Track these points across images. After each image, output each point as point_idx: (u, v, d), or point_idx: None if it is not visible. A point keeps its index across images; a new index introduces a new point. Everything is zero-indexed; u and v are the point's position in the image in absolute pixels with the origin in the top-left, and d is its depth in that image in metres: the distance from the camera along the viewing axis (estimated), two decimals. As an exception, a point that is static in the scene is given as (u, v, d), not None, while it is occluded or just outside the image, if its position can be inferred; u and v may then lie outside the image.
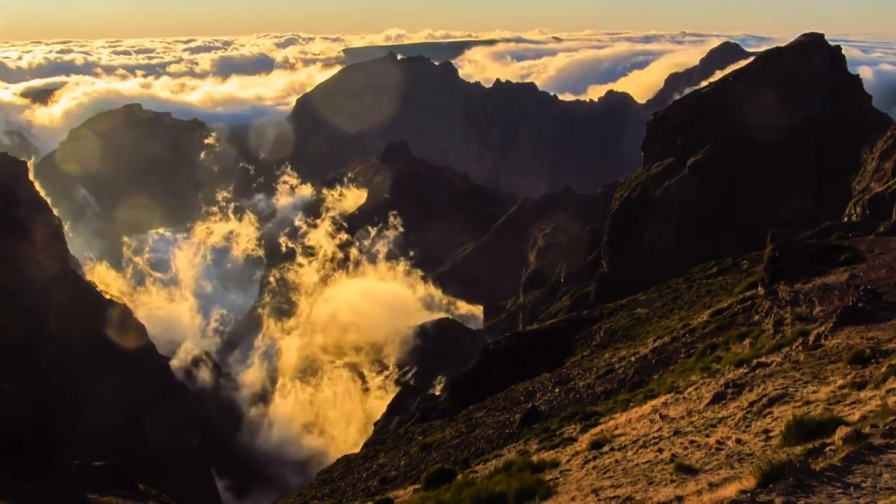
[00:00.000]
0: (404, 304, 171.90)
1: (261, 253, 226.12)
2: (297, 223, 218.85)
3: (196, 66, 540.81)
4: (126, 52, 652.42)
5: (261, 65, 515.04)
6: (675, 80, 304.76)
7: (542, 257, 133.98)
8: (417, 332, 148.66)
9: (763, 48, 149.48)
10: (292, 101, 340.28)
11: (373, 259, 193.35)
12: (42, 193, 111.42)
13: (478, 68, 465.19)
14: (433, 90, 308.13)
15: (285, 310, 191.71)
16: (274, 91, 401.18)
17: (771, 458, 8.44)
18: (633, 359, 33.06)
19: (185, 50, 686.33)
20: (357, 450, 60.81)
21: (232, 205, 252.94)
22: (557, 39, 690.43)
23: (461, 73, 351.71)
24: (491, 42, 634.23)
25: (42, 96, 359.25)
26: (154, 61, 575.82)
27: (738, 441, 11.68)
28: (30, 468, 34.44)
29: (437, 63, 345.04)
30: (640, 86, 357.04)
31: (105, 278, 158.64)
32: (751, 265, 45.52)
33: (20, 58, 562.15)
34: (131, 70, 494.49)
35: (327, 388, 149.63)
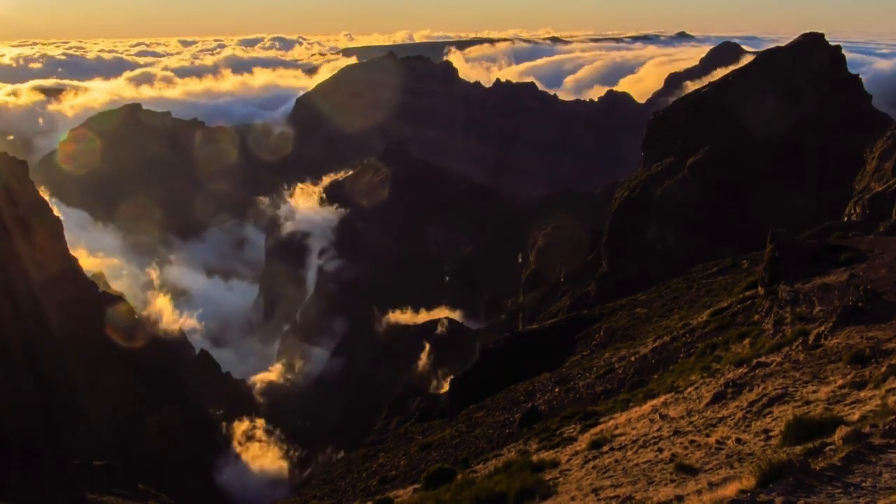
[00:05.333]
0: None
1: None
2: (297, 223, 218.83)
3: (197, 66, 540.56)
4: (127, 52, 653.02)
5: (261, 65, 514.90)
6: (675, 80, 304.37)
7: (542, 257, 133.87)
8: (417, 331, 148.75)
9: (763, 48, 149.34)
10: (292, 100, 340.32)
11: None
12: (42, 193, 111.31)
13: (478, 68, 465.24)
14: (433, 90, 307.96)
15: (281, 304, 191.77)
16: (274, 91, 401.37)
17: (771, 457, 8.43)
18: (632, 358, 33.06)
19: (186, 50, 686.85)
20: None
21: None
22: (557, 40, 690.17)
23: (461, 72, 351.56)
24: (491, 42, 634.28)
25: (42, 96, 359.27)
26: (155, 61, 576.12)
27: (738, 441, 11.67)
28: (30, 468, 34.40)
29: (437, 62, 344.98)
30: (640, 86, 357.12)
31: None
32: (751, 265, 45.49)
33: (20, 58, 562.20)
34: (132, 69, 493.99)
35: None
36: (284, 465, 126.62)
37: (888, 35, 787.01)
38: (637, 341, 38.17)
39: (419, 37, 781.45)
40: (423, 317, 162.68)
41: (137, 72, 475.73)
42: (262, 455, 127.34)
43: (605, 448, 14.86)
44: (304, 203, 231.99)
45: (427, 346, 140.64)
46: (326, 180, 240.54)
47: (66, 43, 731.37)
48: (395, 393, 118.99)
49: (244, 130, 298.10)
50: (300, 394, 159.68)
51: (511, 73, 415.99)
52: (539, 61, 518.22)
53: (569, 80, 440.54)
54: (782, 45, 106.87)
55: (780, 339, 19.74)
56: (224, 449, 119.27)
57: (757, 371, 16.51)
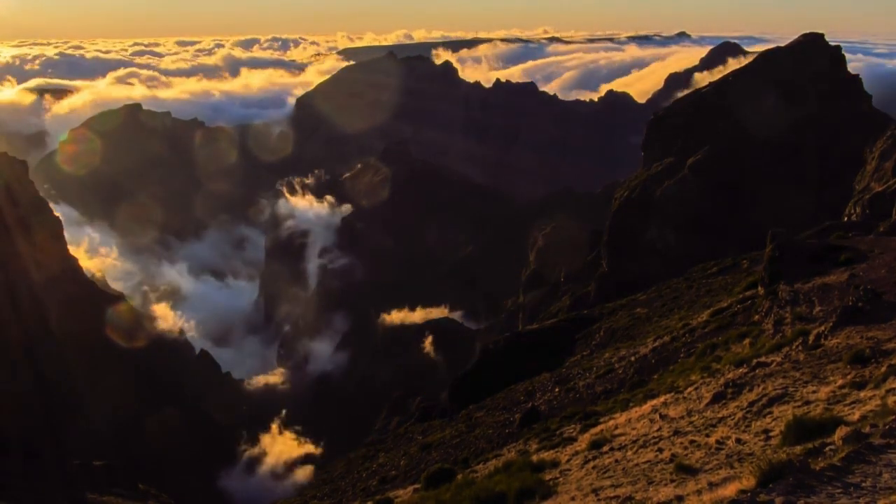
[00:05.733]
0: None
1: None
2: (297, 222, 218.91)
3: (197, 66, 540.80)
4: (127, 52, 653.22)
5: (261, 65, 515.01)
6: (675, 80, 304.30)
7: (542, 257, 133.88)
8: (417, 331, 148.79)
9: (763, 48, 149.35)
10: (292, 101, 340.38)
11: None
12: (42, 193, 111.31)
13: (478, 68, 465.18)
14: (433, 90, 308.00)
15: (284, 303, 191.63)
16: (274, 91, 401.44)
17: (771, 457, 8.43)
18: (632, 358, 33.07)
19: (185, 50, 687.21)
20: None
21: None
22: (557, 40, 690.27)
23: (461, 72, 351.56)
24: (491, 42, 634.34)
25: (42, 96, 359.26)
26: (155, 61, 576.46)
27: (738, 441, 11.68)
28: (30, 468, 34.39)
29: (437, 63, 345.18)
30: (640, 86, 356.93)
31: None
32: (751, 265, 45.50)
33: (18, 58, 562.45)
34: (132, 70, 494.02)
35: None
36: (285, 464, 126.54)
37: (882, 35, 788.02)
38: (637, 341, 38.17)
39: (418, 36, 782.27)
40: (423, 316, 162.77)
41: (137, 72, 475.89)
42: (262, 455, 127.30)
43: (605, 448, 14.86)
44: (304, 203, 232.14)
45: (427, 346, 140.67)
46: (326, 180, 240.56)
47: (65, 43, 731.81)
48: (395, 393, 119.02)
49: (244, 130, 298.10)
50: (300, 394, 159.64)
51: (511, 73, 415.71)
52: (539, 61, 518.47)
53: (569, 80, 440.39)
54: (782, 45, 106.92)
55: (780, 339, 19.74)
56: (224, 449, 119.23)
57: (757, 371, 16.51)
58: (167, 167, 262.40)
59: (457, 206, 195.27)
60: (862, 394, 12.07)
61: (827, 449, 8.98)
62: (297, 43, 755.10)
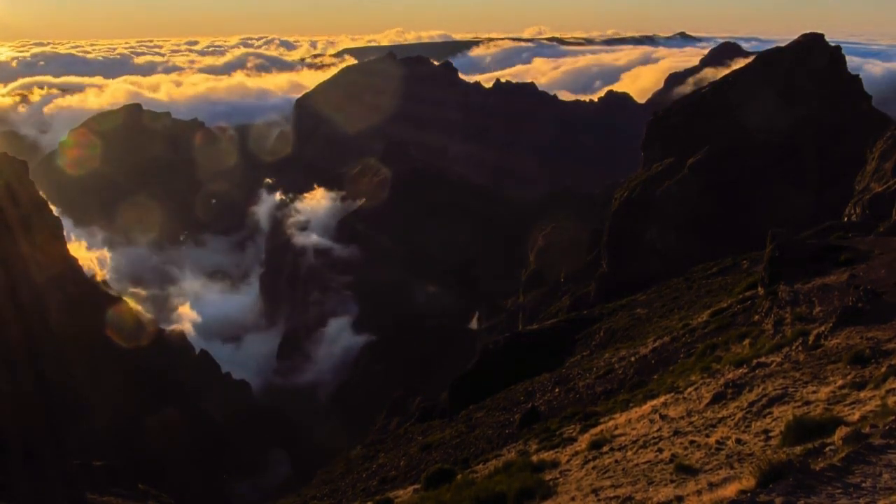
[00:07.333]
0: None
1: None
2: (296, 223, 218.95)
3: (196, 66, 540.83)
4: (127, 52, 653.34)
5: (261, 65, 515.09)
6: (675, 80, 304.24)
7: (542, 257, 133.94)
8: (417, 331, 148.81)
9: (763, 48, 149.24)
10: (292, 101, 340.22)
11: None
12: (41, 193, 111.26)
13: (478, 68, 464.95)
14: (433, 90, 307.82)
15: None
16: (274, 91, 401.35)
17: (771, 458, 8.44)
18: (632, 359, 33.06)
19: (185, 50, 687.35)
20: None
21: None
22: (557, 40, 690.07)
23: (461, 73, 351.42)
24: (491, 42, 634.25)
25: (42, 96, 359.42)
26: (154, 61, 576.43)
27: (738, 441, 11.68)
28: (30, 468, 34.40)
29: (437, 63, 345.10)
30: (640, 86, 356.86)
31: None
32: (751, 265, 45.52)
33: (18, 58, 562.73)
34: (132, 70, 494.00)
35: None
36: (284, 465, 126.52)
37: (867, 34, 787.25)
38: (637, 341, 38.17)
39: (419, 37, 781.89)
40: (422, 317, 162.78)
41: (137, 72, 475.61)
42: (261, 454, 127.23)
43: (605, 448, 14.86)
44: (304, 203, 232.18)
45: (427, 346, 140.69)
46: (326, 181, 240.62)
47: (65, 43, 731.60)
48: (395, 393, 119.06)
49: (244, 130, 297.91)
50: (300, 394, 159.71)
51: (511, 73, 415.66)
52: (539, 61, 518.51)
53: (569, 80, 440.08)
54: (782, 45, 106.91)
55: (780, 339, 19.75)
56: (224, 449, 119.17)
57: (757, 371, 16.52)
58: (167, 168, 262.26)
59: (457, 207, 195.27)
60: (862, 394, 12.08)
61: (827, 449, 8.99)
62: (296, 43, 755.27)
